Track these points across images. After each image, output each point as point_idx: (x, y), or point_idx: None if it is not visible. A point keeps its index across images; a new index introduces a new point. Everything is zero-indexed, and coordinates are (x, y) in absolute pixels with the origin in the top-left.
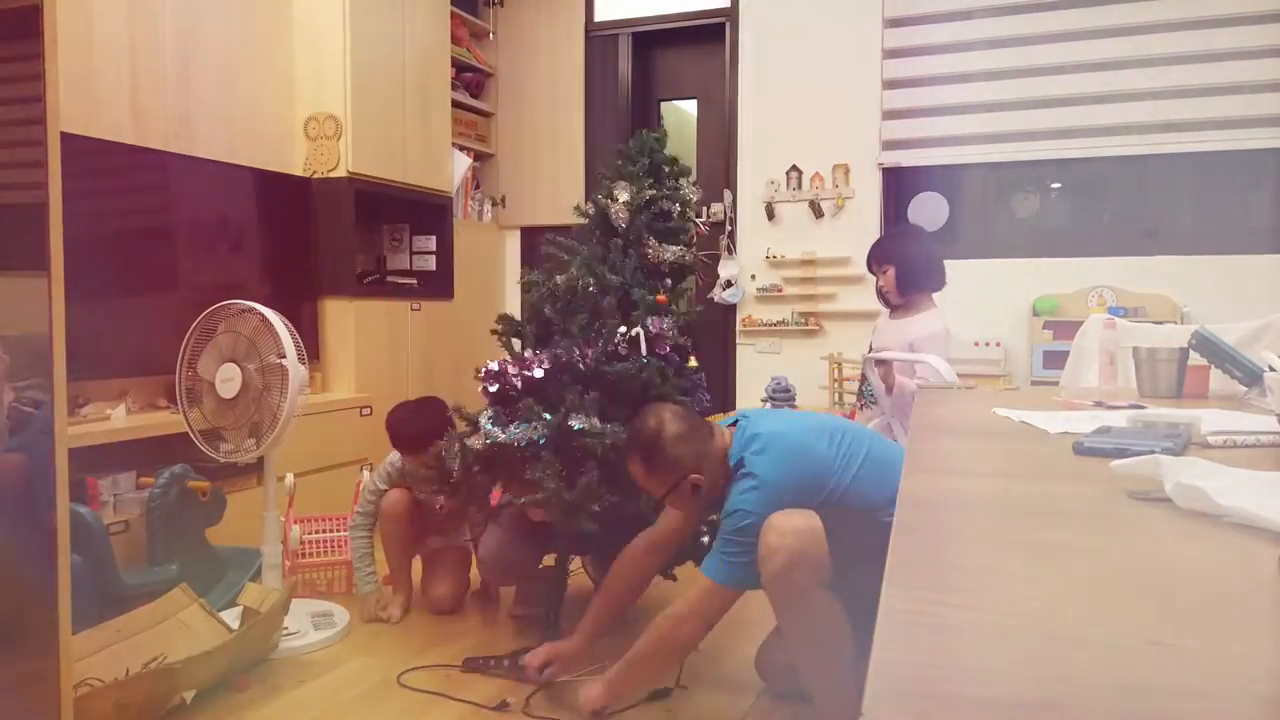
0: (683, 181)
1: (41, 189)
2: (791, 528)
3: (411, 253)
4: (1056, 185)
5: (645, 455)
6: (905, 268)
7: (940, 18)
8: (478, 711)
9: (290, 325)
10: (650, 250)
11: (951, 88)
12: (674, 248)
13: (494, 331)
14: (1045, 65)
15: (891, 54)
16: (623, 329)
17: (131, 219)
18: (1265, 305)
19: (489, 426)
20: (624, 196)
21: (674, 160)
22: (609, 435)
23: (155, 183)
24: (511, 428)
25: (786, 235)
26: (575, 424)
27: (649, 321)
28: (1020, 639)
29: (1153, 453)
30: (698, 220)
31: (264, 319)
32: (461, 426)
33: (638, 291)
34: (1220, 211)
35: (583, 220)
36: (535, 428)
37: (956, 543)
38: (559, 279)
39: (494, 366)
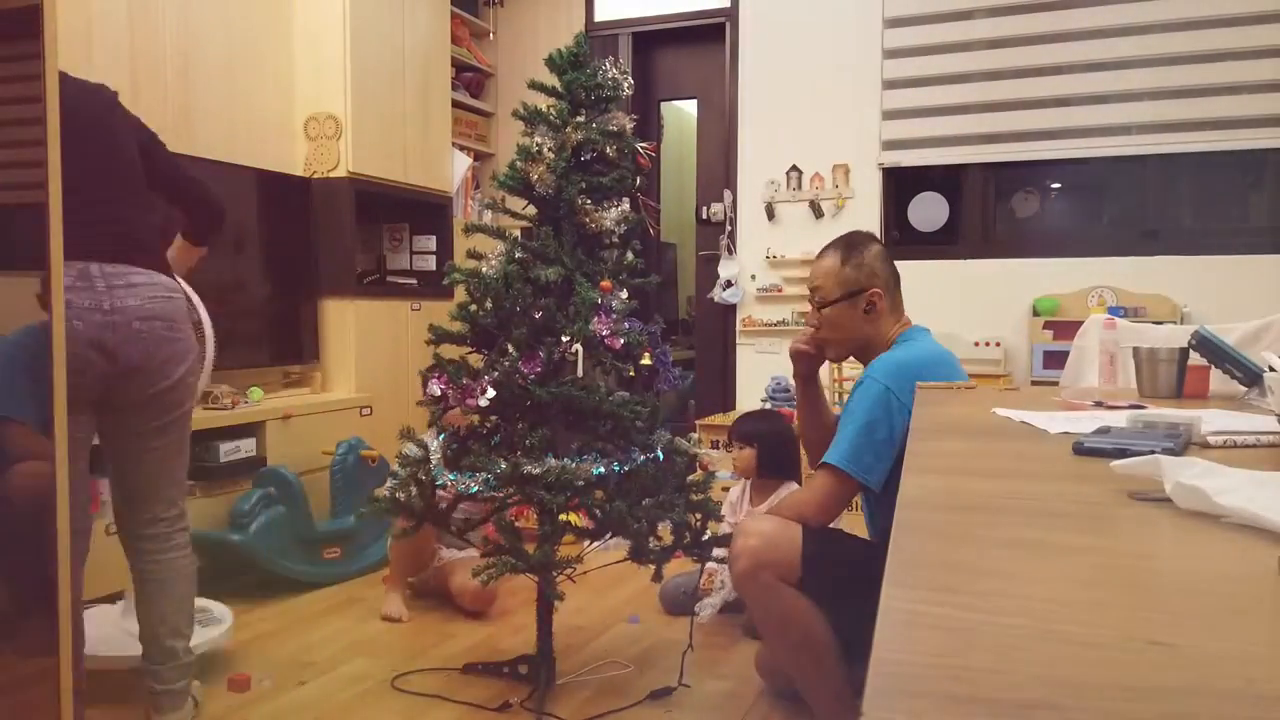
0: (612, 108)
1: (41, 189)
2: (759, 530)
3: (411, 253)
4: (1056, 185)
5: (849, 250)
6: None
7: (940, 18)
8: (478, 712)
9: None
10: (589, 219)
11: (951, 88)
12: (616, 209)
13: (429, 342)
14: (1045, 65)
15: (891, 54)
16: (566, 337)
17: None
18: (1265, 305)
19: (438, 470)
20: (547, 148)
21: (592, 77)
22: (566, 473)
23: None
24: (463, 475)
25: (786, 235)
26: (530, 469)
27: (592, 325)
28: (1020, 639)
29: (1153, 453)
30: (641, 147)
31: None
32: (410, 449)
33: (581, 282)
34: (1220, 211)
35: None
36: (487, 480)
37: (956, 543)
38: (486, 270)
39: (435, 391)
